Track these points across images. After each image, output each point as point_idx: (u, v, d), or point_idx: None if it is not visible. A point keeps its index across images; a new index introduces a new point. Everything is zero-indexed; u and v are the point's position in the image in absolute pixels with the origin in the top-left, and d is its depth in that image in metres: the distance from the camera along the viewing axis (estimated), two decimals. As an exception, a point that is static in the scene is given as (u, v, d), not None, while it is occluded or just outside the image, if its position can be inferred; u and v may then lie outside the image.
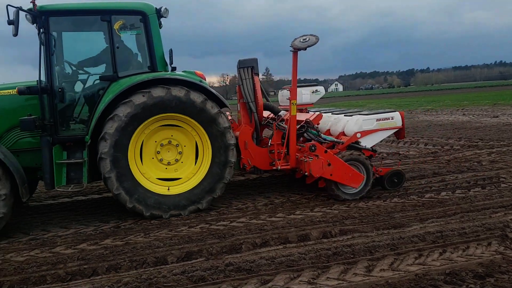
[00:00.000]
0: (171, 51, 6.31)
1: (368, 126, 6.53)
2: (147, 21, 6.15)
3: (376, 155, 7.72)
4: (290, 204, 6.45)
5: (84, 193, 7.82)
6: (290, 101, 6.42)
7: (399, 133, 6.88)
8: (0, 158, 5.23)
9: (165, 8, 6.42)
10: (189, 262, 4.44)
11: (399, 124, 6.70)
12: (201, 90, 6.09)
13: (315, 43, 5.91)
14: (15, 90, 5.78)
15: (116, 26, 6.13)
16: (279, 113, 7.30)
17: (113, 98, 5.75)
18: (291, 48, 6.11)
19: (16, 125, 5.78)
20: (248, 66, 6.87)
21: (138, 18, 6.17)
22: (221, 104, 6.31)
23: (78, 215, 6.53)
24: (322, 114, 7.17)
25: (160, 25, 6.72)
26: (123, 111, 5.69)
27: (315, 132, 6.70)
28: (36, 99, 5.84)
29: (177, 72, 6.34)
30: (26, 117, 5.73)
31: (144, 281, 3.96)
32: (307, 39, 5.95)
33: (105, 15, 6.00)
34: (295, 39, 6.09)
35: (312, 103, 8.02)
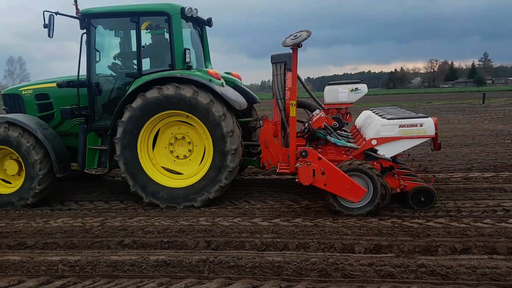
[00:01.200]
0: (184, 51, 6.42)
1: (388, 133, 5.67)
2: (171, 21, 6.36)
3: (401, 166, 6.28)
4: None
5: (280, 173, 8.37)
6: (289, 101, 6.01)
7: (434, 143, 5.94)
8: (42, 141, 6.24)
9: (189, 8, 6.56)
10: (377, 255, 4.30)
11: (430, 133, 5.61)
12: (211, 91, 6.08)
13: (307, 38, 5.66)
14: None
15: (143, 26, 6.54)
16: (313, 112, 6.77)
17: (129, 92, 6.21)
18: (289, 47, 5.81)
19: None
20: (281, 62, 6.42)
21: (163, 18, 6.42)
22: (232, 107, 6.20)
23: (275, 192, 7.08)
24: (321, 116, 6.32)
25: (210, 23, 7.36)
26: (136, 103, 6.08)
27: (322, 135, 6.16)
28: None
29: (193, 71, 6.47)
30: (66, 107, 6.69)
31: (330, 265, 4.02)
32: (297, 35, 5.73)
33: (134, 16, 6.42)
34: (287, 38, 5.85)
35: (351, 103, 7.04)
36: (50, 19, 6.24)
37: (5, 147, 6.44)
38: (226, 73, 7.32)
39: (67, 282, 3.99)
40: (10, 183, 6.72)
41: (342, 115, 7.00)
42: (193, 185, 6.25)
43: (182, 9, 6.49)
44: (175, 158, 6.51)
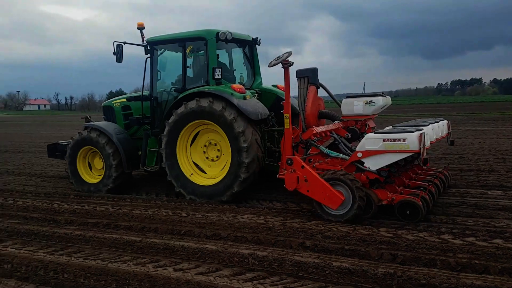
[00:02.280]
0: (213, 69, 7.44)
1: (372, 146, 5.83)
2: (207, 45, 7.53)
3: (385, 180, 6.06)
4: None
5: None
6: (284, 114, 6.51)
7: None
8: (114, 142, 8.05)
9: (223, 32, 7.49)
10: None
11: (413, 148, 5.52)
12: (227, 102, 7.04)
13: (287, 57, 6.31)
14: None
15: (187, 50, 7.79)
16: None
17: (171, 106, 7.64)
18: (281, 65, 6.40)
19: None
20: (304, 76, 7.09)
21: (202, 42, 7.62)
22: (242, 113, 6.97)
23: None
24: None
25: (257, 42, 8.58)
26: (172, 118, 7.47)
27: (314, 144, 6.61)
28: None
29: (224, 86, 7.37)
30: (134, 116, 8.52)
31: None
32: (280, 56, 6.33)
33: (181, 42, 7.76)
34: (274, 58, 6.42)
35: (367, 115, 7.02)
36: (119, 48, 7.96)
37: (91, 147, 8.42)
38: (273, 85, 8.64)
39: (257, 275, 4.27)
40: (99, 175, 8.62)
41: (361, 127, 7.09)
42: (217, 184, 7.31)
43: (217, 34, 7.49)
44: (205, 158, 7.68)
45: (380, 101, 6.95)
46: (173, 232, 5.73)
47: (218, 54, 7.78)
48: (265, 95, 8.39)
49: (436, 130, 6.66)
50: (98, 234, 5.74)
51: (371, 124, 7.23)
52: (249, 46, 8.64)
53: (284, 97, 6.72)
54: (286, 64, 6.39)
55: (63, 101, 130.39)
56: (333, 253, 4.77)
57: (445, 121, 7.54)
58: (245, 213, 6.53)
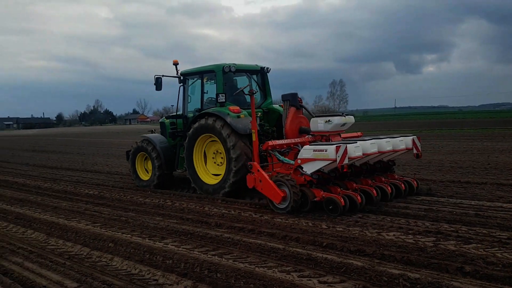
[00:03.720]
0: (217, 95, 9.45)
1: (306, 155, 7.30)
2: (216, 76, 9.58)
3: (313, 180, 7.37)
4: None
5: None
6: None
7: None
8: (157, 149, 10.53)
9: (228, 66, 9.43)
10: None
11: (332, 156, 6.88)
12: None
13: (244, 88, 8.71)
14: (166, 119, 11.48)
15: (204, 80, 10.14)
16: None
17: (190, 122, 9.95)
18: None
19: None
20: (286, 99, 9.26)
21: (214, 74, 9.68)
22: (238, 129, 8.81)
23: None
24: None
25: (266, 70, 10.59)
26: (190, 131, 9.66)
27: (277, 154, 8.22)
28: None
29: (224, 108, 9.13)
30: (172, 130, 10.70)
31: None
32: (242, 87, 8.90)
33: (200, 74, 10.19)
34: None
35: (328, 131, 8.42)
36: (158, 80, 10.58)
37: (144, 153, 11.05)
38: (279, 105, 10.28)
39: (410, 298, 3.98)
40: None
41: (326, 140, 8.43)
42: (216, 184, 9.31)
43: (223, 67, 9.49)
44: (214, 163, 9.74)
45: (336, 120, 8.32)
46: (314, 243, 5.72)
47: (225, 83, 9.67)
48: (271, 113, 10.33)
49: (369, 145, 7.57)
50: (244, 238, 6.06)
51: (336, 138, 8.58)
52: (260, 73, 10.62)
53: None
54: (250, 93, 8.31)
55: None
56: (498, 281, 4.20)
57: (407, 137, 8.65)
58: (390, 230, 6.18)
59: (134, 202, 9.20)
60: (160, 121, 11.85)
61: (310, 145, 7.52)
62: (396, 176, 8.75)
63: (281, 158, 8.11)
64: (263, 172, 7.68)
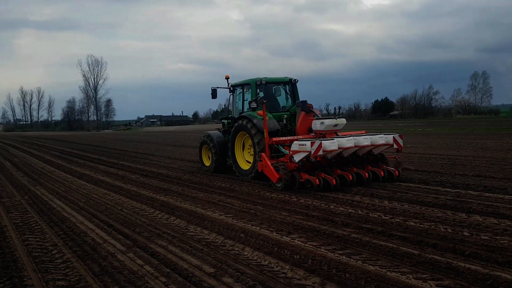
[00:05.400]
0: (249, 102, 12.29)
1: (295, 148, 9.72)
2: (251, 88, 12.65)
3: (300, 166, 9.83)
4: None
5: None
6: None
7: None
8: (214, 143, 13.65)
9: (259, 80, 12.45)
10: None
11: (308, 149, 9.26)
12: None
13: (259, 98, 11.80)
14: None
15: (244, 90, 13.22)
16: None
17: (233, 122, 13.35)
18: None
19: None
20: (298, 105, 11.99)
21: (250, 86, 12.81)
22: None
23: None
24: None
25: (294, 81, 13.35)
26: (232, 129, 12.77)
27: (280, 147, 10.89)
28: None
29: (255, 112, 11.74)
30: (223, 129, 14.13)
31: None
32: (254, 99, 11.99)
33: (241, 86, 13.44)
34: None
35: (323, 130, 10.96)
36: (214, 91, 13.84)
37: (206, 145, 14.22)
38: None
39: None
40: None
41: (323, 137, 10.76)
42: (251, 168, 11.99)
43: (256, 81, 12.38)
44: (249, 154, 12.38)
45: (327, 122, 10.86)
46: (455, 251, 5.24)
47: (258, 92, 12.45)
48: (295, 115, 12.41)
49: (345, 141, 9.85)
50: (374, 240, 5.84)
51: (331, 135, 10.89)
52: (289, 84, 13.34)
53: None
54: (261, 102, 11.02)
55: (332, 111, 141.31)
56: None
57: (387, 136, 10.69)
58: (549, 242, 5.34)
59: (261, 196, 9.58)
60: (221, 120, 14.97)
61: (297, 140, 9.99)
62: (384, 166, 10.67)
63: (283, 150, 10.72)
64: (267, 160, 10.29)
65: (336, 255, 5.37)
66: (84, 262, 5.54)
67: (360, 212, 7.59)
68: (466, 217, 6.82)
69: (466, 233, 5.94)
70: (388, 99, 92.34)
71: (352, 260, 5.15)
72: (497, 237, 5.66)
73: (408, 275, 4.56)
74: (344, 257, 5.25)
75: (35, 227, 7.57)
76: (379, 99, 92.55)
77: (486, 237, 5.69)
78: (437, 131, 33.86)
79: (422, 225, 6.45)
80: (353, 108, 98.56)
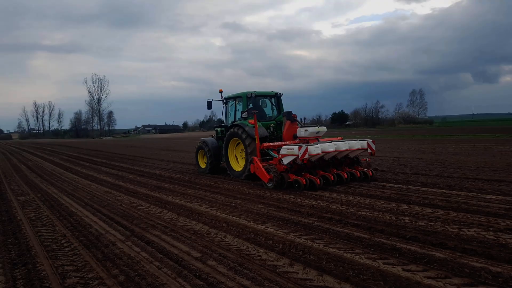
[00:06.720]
0: (241, 113, 12.31)
1: (283, 152, 9.37)
2: (242, 100, 12.44)
3: (288, 168, 9.47)
4: None
5: None
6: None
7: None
8: (209, 148, 13.22)
9: (250, 93, 12.18)
10: None
11: (296, 153, 9.01)
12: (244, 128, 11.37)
13: (250, 109, 11.49)
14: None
15: (236, 102, 12.90)
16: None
17: (226, 129, 12.97)
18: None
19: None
20: (284, 115, 11.46)
21: (241, 99, 12.54)
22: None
23: None
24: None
25: (279, 95, 13.02)
26: (226, 135, 12.24)
27: (270, 151, 10.34)
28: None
29: (245, 120, 11.50)
30: (217, 135, 13.68)
31: None
32: (245, 111, 11.75)
33: (233, 99, 13.01)
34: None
35: (306, 137, 10.57)
36: (209, 104, 13.35)
37: (202, 150, 13.81)
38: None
39: (492, 291, 3.53)
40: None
41: (307, 142, 10.36)
42: (243, 169, 11.48)
43: (247, 94, 12.10)
44: (241, 157, 11.94)
45: (310, 129, 10.49)
46: (398, 235, 5.36)
47: (248, 104, 12.13)
48: (281, 124, 12.08)
49: (327, 146, 9.46)
50: (333, 227, 5.91)
51: (313, 141, 10.50)
52: (275, 97, 12.98)
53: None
54: (252, 112, 10.81)
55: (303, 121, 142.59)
56: None
57: (362, 141, 10.43)
58: (471, 226, 5.54)
59: (241, 192, 9.54)
60: (215, 128, 14.47)
61: (285, 145, 9.64)
62: (360, 168, 10.44)
63: (272, 154, 10.30)
64: (259, 163, 9.93)
65: (302, 240, 5.41)
66: (89, 250, 5.40)
67: (321, 204, 7.66)
68: (406, 207, 6.99)
69: (407, 220, 6.09)
70: (344, 111, 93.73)
71: (315, 244, 5.20)
72: (431, 223, 5.82)
73: (360, 255, 4.64)
74: (308, 242, 5.30)
75: (47, 221, 7.32)
76: (337, 112, 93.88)
77: (423, 224, 5.85)
78: (383, 138, 34.60)
79: (371, 214, 6.57)
80: (316, 119, 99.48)
